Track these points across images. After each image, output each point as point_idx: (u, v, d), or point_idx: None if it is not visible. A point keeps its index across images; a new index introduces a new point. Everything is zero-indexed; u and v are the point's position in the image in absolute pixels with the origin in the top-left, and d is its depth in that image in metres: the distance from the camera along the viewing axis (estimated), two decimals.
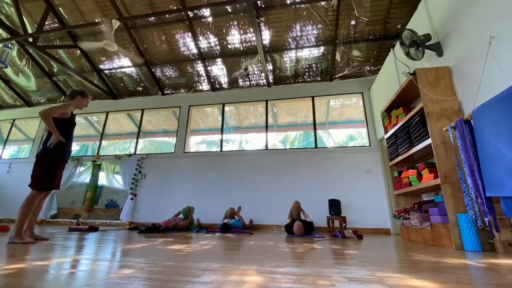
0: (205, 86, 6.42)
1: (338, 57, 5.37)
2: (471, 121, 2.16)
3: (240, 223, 4.39)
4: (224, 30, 5.31)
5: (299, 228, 3.54)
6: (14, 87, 7.22)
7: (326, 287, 0.98)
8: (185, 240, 2.76)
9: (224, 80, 6.23)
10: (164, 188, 5.70)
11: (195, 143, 9.83)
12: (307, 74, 5.84)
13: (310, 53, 5.46)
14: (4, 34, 5.65)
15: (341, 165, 5.03)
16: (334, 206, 4.39)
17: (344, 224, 4.34)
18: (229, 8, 4.97)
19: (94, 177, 6.37)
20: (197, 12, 5.05)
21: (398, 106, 3.60)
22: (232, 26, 5.24)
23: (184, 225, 4.37)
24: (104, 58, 6.19)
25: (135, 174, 5.86)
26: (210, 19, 5.19)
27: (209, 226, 5.09)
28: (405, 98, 3.42)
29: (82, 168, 6.68)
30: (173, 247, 2.16)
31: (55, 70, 6.60)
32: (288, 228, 3.78)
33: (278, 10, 4.84)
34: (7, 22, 5.52)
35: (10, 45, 5.25)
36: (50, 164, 2.52)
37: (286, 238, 3.29)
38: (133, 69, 6.33)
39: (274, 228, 4.84)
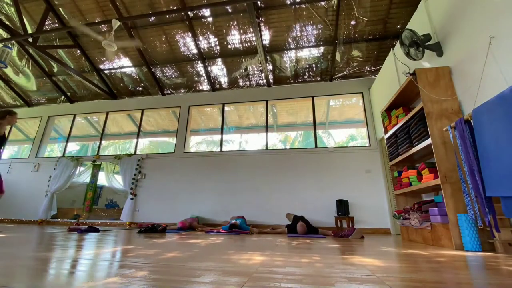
0: (205, 86, 6.41)
1: (338, 57, 5.37)
2: (471, 121, 2.16)
3: (244, 223, 4.44)
4: (224, 30, 5.31)
5: (303, 227, 3.68)
6: (14, 87, 7.22)
7: (326, 287, 0.98)
8: (185, 240, 2.76)
9: (224, 80, 6.22)
10: (164, 188, 5.70)
11: (195, 143, 9.85)
12: (307, 74, 5.84)
13: (310, 53, 5.46)
14: (4, 34, 5.65)
15: (341, 165, 5.03)
16: (342, 206, 4.41)
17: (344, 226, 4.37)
18: (229, 8, 4.97)
19: (94, 177, 6.37)
20: (197, 12, 5.05)
21: (398, 106, 3.60)
22: (232, 26, 5.24)
23: (196, 226, 4.73)
24: (104, 58, 6.19)
25: (135, 174, 5.86)
26: (210, 19, 5.19)
27: (208, 226, 5.09)
28: (405, 98, 3.42)
29: (82, 168, 6.67)
30: (173, 247, 2.16)
31: (55, 70, 6.60)
32: (291, 227, 3.84)
33: (278, 10, 4.84)
34: (7, 22, 5.52)
35: (10, 45, 5.25)
36: None
37: (287, 237, 3.29)
38: (133, 69, 6.33)
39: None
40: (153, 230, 3.87)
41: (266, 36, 5.24)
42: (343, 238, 3.41)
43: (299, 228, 3.68)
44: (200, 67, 6.05)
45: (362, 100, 5.52)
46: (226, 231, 4.00)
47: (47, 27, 5.59)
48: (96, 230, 3.87)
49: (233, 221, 4.32)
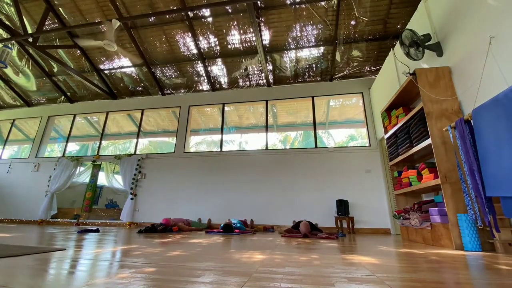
0: (205, 86, 6.41)
1: (338, 57, 5.37)
2: (471, 121, 2.16)
3: (241, 224, 4.38)
4: (224, 30, 5.31)
5: (306, 226, 3.61)
6: (14, 87, 7.22)
7: (326, 287, 0.98)
8: (186, 240, 2.76)
9: (224, 80, 6.22)
10: (164, 188, 5.70)
11: (195, 143, 9.85)
12: (307, 74, 5.84)
13: (310, 53, 5.46)
14: (4, 34, 5.65)
15: (341, 165, 5.03)
16: (342, 206, 4.41)
17: (338, 229, 4.38)
18: (229, 8, 4.97)
19: (94, 177, 6.37)
20: (197, 12, 5.05)
21: (398, 106, 3.60)
22: (232, 26, 5.24)
23: (182, 227, 4.36)
24: (104, 58, 6.19)
25: (135, 174, 5.86)
26: (210, 19, 5.19)
27: (208, 226, 5.09)
28: (405, 98, 3.42)
29: (82, 168, 6.68)
30: (173, 246, 2.16)
31: (55, 70, 6.60)
32: (294, 228, 3.84)
33: (278, 10, 4.84)
34: (7, 22, 5.52)
35: (10, 45, 5.25)
36: None
37: (288, 238, 3.29)
38: (133, 69, 6.33)
39: (275, 228, 4.83)
40: (153, 230, 3.87)
41: (266, 36, 5.24)
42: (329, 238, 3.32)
43: (302, 227, 3.65)
44: (200, 67, 6.05)
45: (362, 100, 5.52)
46: (222, 231, 3.99)
47: (47, 27, 5.58)
48: (97, 231, 3.88)
49: (227, 220, 4.31)
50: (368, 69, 5.46)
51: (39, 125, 7.24)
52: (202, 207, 5.34)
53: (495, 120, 1.90)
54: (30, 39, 5.10)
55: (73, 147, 8.74)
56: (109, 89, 6.80)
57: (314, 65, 5.66)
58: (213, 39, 5.49)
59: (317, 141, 5.49)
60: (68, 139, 7.01)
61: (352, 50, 5.23)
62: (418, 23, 3.40)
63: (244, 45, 5.49)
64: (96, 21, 5.32)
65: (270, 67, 5.78)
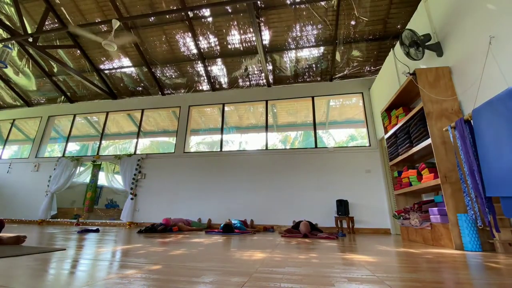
0: (205, 86, 6.41)
1: (338, 57, 5.37)
2: (471, 121, 2.16)
3: (242, 224, 4.38)
4: (224, 30, 5.31)
5: (306, 226, 3.59)
6: (14, 87, 7.22)
7: (326, 287, 0.98)
8: (185, 240, 2.76)
9: (224, 80, 6.22)
10: (164, 188, 5.70)
11: (196, 143, 9.84)
12: (307, 74, 5.84)
13: (310, 53, 5.46)
14: (4, 34, 5.65)
15: (341, 165, 5.03)
16: (342, 206, 4.42)
17: (338, 228, 4.38)
18: (229, 8, 4.97)
19: (94, 177, 6.37)
20: (197, 12, 5.05)
21: (398, 106, 3.60)
22: (232, 26, 5.24)
23: (182, 227, 4.36)
24: (104, 58, 6.19)
25: (135, 174, 5.86)
26: (210, 19, 5.19)
27: (208, 226, 5.09)
28: (405, 98, 3.42)
29: (82, 168, 6.68)
30: (173, 246, 2.16)
31: (55, 70, 6.60)
32: (294, 228, 3.83)
33: (278, 10, 4.84)
34: (7, 22, 5.52)
35: (10, 45, 5.25)
36: None
37: (288, 238, 3.29)
38: (133, 69, 6.33)
39: (274, 228, 4.83)
40: (153, 230, 3.87)
41: (266, 36, 5.24)
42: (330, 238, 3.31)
43: (302, 227, 3.64)
44: (200, 67, 6.05)
45: (362, 100, 5.52)
46: (223, 231, 3.99)
47: (47, 27, 5.59)
48: (97, 231, 3.88)
49: (227, 220, 4.31)
50: (368, 69, 5.46)
51: (39, 125, 7.24)
52: (202, 207, 5.34)
53: (495, 120, 1.90)
54: (30, 39, 5.10)
55: (73, 147, 8.75)
56: (109, 89, 6.80)
57: (314, 65, 5.66)
58: (213, 39, 5.49)
59: (317, 141, 5.49)
60: (68, 139, 7.01)
61: (352, 50, 5.23)
62: (418, 23, 3.40)
63: (244, 45, 5.49)
64: (96, 21, 5.33)
65: (270, 67, 5.78)
